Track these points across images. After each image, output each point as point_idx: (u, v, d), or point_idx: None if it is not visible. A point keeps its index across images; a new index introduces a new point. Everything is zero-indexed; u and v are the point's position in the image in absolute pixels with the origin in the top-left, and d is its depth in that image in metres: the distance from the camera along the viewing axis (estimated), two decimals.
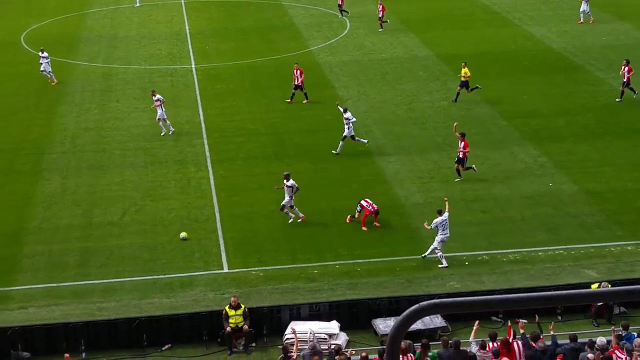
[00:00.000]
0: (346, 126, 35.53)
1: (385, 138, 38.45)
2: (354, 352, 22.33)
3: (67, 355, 22.00)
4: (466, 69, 40.17)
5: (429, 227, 27.37)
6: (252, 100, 43.72)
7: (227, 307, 24.97)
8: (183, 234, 28.86)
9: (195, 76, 47.13)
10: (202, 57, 50.46)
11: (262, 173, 34.78)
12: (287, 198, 29.89)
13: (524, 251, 28.59)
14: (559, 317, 25.46)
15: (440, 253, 27.47)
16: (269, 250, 29.09)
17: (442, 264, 27.48)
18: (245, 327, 24.77)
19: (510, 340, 21.48)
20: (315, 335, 23.77)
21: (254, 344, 24.95)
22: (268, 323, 25.35)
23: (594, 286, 24.65)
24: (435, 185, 33.60)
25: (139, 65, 49.03)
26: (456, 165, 32.25)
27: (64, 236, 30.51)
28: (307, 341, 23.36)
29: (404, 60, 48.68)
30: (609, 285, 24.46)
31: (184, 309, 25.83)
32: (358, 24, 56.57)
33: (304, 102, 41.24)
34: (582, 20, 54.07)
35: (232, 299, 25.01)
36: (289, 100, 41.42)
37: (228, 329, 24.65)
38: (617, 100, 40.18)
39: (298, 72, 41.28)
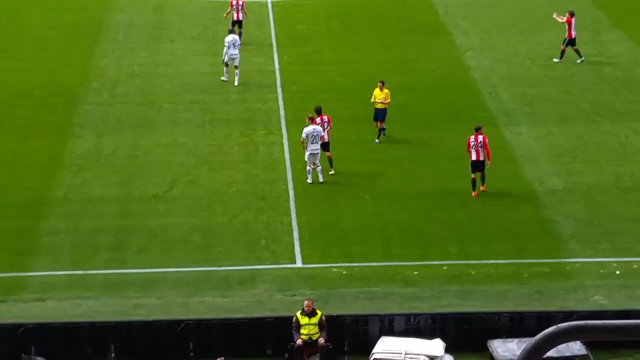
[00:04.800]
0: None
1: (515, 102, 38.07)
2: None
3: None
4: (385, 91, 35.04)
5: (302, 140, 31.43)
6: (341, 46, 43.78)
7: (298, 314, 24.84)
8: None
9: (271, 13, 47.62)
10: None
11: (351, 140, 34.51)
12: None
13: None
14: None
15: (309, 168, 31.25)
16: (356, 241, 29.05)
17: (307, 178, 31.41)
18: (321, 340, 24.55)
19: None
20: (410, 356, 23.65)
21: None
22: (351, 337, 25.05)
23: None
24: (579, 167, 33.26)
25: None
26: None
27: (95, 210, 30.72)
28: None
29: (544, 1, 47.99)
30: None
31: (243, 312, 25.90)
32: None
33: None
34: None
35: (306, 303, 24.87)
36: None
37: (299, 341, 24.46)
38: (556, 60, 41.23)
39: (238, 3, 42.57)
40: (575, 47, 40.87)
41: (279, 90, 39.63)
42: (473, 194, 31.10)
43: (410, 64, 40.65)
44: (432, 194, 31.53)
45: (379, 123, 34.93)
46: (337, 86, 39.99)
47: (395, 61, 41.94)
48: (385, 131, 35.07)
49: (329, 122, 32.67)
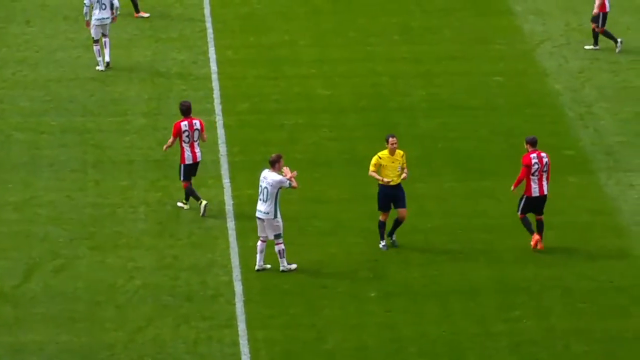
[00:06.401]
0: None
1: (626, 131, 35.29)
2: None
3: None
4: (399, 152, 30.71)
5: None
6: (329, 32, 41.50)
7: None
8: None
9: None
10: None
11: (345, 197, 31.01)
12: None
13: None
14: None
15: (260, 244, 28.43)
16: None
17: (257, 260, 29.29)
18: None
19: None
20: None
21: None
22: None
23: None
24: None
25: None
26: None
27: None
28: None
29: None
30: None
31: None
32: None
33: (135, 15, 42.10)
34: None
35: None
36: (136, 14, 41.79)
37: None
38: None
39: None
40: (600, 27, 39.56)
41: (218, 109, 36.19)
42: (533, 241, 28.03)
43: (449, 65, 37.93)
44: (486, 289, 27.15)
45: (385, 215, 28.54)
46: (319, 103, 37.04)
47: (424, 60, 39.36)
48: (394, 237, 28.64)
49: (201, 129, 30.52)
